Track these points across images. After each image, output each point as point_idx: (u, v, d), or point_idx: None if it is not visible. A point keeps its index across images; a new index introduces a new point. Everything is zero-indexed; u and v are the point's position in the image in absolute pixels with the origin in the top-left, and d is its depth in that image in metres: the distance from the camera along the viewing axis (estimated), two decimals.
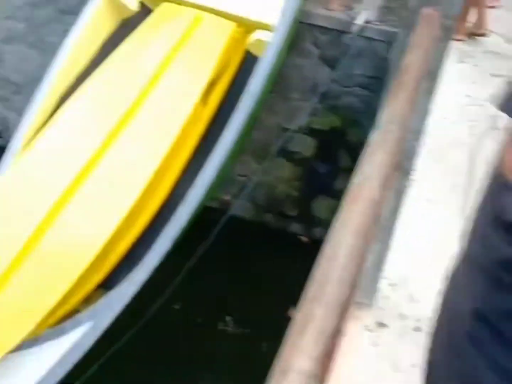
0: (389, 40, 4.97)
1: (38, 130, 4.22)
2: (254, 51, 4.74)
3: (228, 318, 4.99)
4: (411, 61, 2.19)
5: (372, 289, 2.85)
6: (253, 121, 4.76)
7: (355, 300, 2.30)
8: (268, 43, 4.55)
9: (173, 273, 4.12)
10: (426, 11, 2.67)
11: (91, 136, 4.11)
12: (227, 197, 5.76)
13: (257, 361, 4.67)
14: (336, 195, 5.41)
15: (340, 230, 1.50)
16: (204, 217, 5.49)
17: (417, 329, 2.86)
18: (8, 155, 4.14)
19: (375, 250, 2.66)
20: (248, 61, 4.68)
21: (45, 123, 4.26)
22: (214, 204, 5.69)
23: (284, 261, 5.31)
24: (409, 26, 3.91)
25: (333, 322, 1.32)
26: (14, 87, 6.18)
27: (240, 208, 5.63)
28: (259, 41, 4.70)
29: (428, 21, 2.57)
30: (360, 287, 2.64)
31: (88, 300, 3.79)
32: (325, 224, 5.56)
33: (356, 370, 2.58)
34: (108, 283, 3.75)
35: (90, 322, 3.46)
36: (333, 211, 5.58)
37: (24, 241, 3.56)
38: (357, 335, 2.69)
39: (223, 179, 4.58)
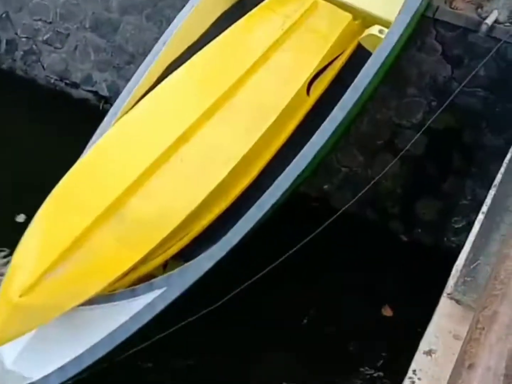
0: None
1: (142, 97, 4.32)
2: (367, 45, 4.64)
3: (314, 313, 4.91)
4: None
5: None
6: (355, 117, 4.68)
7: None
8: (383, 40, 4.43)
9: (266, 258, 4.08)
10: None
11: (191, 108, 4.17)
12: (326, 187, 5.69)
13: (349, 360, 4.62)
14: (443, 198, 5.26)
15: None
16: (303, 205, 5.46)
17: None
18: (110, 117, 4.28)
19: None
20: (360, 55, 4.58)
21: (149, 91, 4.34)
22: (313, 193, 5.63)
23: (381, 258, 5.19)
24: None
25: None
26: (128, 56, 6.27)
27: (340, 200, 5.55)
28: (373, 36, 4.59)
29: None
30: None
31: (166, 268, 3.89)
32: (427, 225, 5.44)
33: None
34: (187, 255, 3.80)
35: (163, 288, 3.55)
36: (438, 213, 5.42)
37: (112, 199, 3.66)
38: None
39: (314, 171, 4.52)
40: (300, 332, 4.73)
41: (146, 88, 4.40)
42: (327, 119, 4.06)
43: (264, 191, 3.86)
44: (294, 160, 3.94)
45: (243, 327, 4.47)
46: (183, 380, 4.26)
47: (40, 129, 6.07)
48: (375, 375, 4.51)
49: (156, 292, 3.53)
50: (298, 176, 3.95)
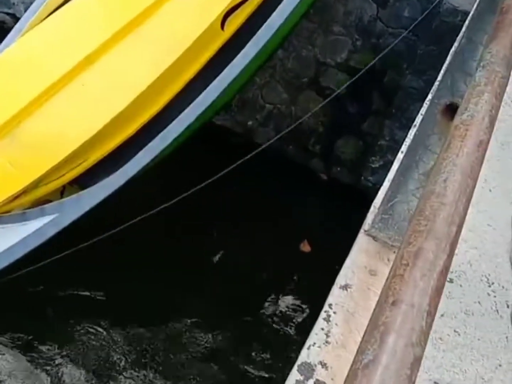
0: None
1: (49, 15, 4.18)
2: None
3: (232, 248, 4.94)
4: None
5: None
6: (270, 53, 4.63)
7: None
8: None
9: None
10: None
11: (98, 32, 4.05)
12: (250, 123, 5.67)
13: (267, 295, 4.70)
14: (363, 137, 5.33)
15: (448, 168, 1.43)
16: (227, 140, 5.44)
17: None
18: (14, 32, 4.15)
19: None
20: None
21: (57, 9, 4.21)
22: (237, 129, 5.61)
23: (300, 196, 5.27)
24: None
25: (443, 259, 1.27)
26: None
27: (264, 136, 5.55)
28: None
29: None
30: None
31: (63, 194, 3.79)
32: (346, 164, 5.52)
33: None
34: (85, 182, 3.72)
35: (55, 214, 3.46)
36: (357, 152, 5.49)
37: (6, 119, 3.58)
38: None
39: (224, 105, 4.47)
40: (216, 267, 4.78)
41: (54, 6, 4.25)
42: (239, 54, 4.01)
43: (169, 124, 3.79)
44: (201, 94, 3.87)
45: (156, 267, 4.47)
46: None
47: None
48: (292, 310, 4.62)
49: (47, 218, 3.43)
50: (204, 110, 3.88)
